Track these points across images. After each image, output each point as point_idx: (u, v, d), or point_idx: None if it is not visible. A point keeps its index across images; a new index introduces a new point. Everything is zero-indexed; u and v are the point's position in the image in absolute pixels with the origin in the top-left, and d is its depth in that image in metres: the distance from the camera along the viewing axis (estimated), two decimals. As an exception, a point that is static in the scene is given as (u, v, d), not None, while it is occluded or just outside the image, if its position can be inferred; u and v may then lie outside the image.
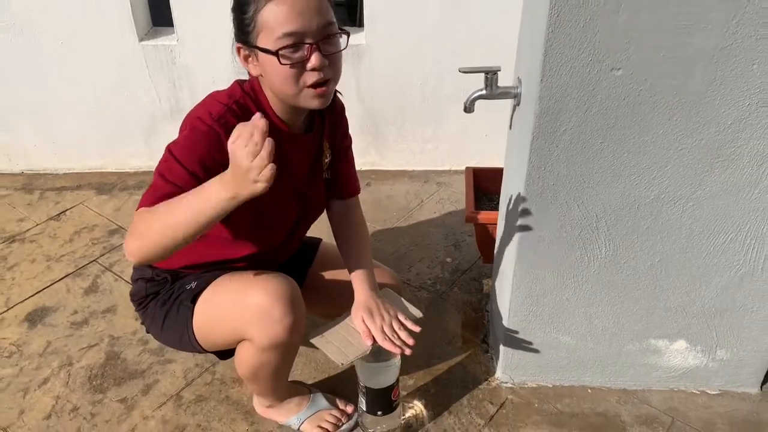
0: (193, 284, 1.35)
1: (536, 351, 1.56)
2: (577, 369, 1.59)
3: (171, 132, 1.18)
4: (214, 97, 1.22)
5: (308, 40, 1.11)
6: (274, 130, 1.25)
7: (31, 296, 1.98)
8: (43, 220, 2.36)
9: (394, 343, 1.27)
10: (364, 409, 1.44)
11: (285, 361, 1.37)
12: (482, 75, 1.31)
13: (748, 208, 1.29)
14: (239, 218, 1.27)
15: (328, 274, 1.57)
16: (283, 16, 1.09)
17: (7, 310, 1.93)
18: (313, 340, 1.31)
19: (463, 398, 1.59)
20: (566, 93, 1.16)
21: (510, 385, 1.63)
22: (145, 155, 2.59)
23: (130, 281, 1.47)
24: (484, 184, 1.99)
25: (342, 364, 1.26)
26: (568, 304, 1.47)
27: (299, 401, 1.52)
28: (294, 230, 1.41)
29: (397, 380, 1.41)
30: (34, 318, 1.89)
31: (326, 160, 1.41)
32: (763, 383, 1.59)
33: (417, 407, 1.57)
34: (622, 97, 1.16)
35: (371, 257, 1.44)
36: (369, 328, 1.29)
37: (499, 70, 1.30)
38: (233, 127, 1.16)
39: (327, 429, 1.48)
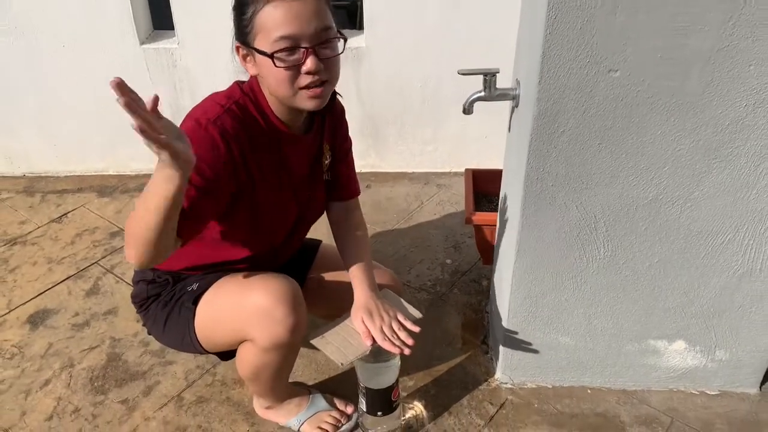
0: (195, 286, 1.36)
1: (536, 352, 1.57)
2: (577, 369, 1.60)
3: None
4: (212, 98, 1.22)
5: (304, 44, 1.12)
6: (273, 131, 1.26)
7: (33, 298, 1.99)
8: (44, 223, 2.37)
9: (394, 344, 1.27)
10: (364, 409, 1.44)
11: (286, 361, 1.37)
12: (481, 77, 1.32)
13: (746, 208, 1.30)
14: (239, 218, 1.28)
15: (328, 276, 1.57)
16: (280, 20, 1.10)
17: (9, 312, 1.94)
18: (313, 341, 1.32)
19: (463, 399, 1.60)
20: (564, 94, 1.17)
21: (510, 386, 1.63)
22: (146, 158, 2.59)
23: (131, 283, 1.48)
24: (484, 186, 2.00)
25: (342, 364, 1.26)
26: (568, 304, 1.48)
27: (299, 402, 1.52)
28: (294, 230, 1.42)
29: (397, 381, 1.42)
30: (36, 320, 1.90)
31: (326, 162, 1.42)
32: (762, 383, 1.60)
33: (417, 408, 1.57)
34: (619, 98, 1.17)
35: (371, 258, 1.45)
36: (369, 328, 1.30)
37: (498, 72, 1.31)
38: (229, 128, 1.17)
39: (326, 430, 1.49)
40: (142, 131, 0.87)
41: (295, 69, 1.13)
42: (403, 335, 1.29)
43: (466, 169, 2.04)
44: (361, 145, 2.56)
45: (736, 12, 1.07)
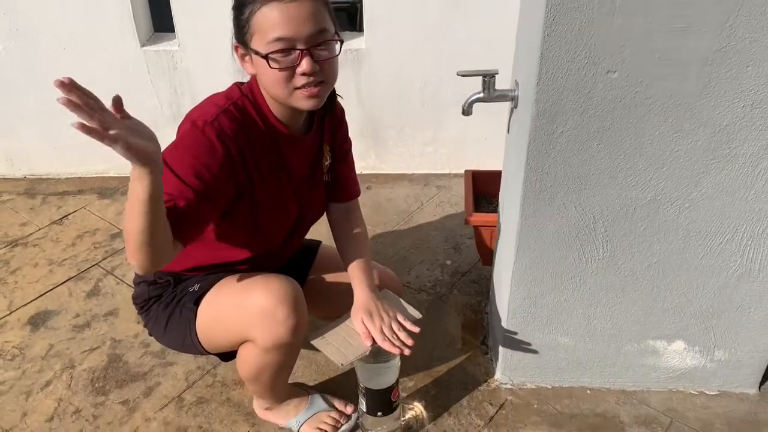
0: (196, 286, 1.36)
1: (535, 352, 1.57)
2: (576, 370, 1.60)
3: (172, 137, 1.19)
4: (211, 99, 1.23)
5: (299, 46, 1.12)
6: (272, 131, 1.26)
7: (34, 300, 1.99)
8: (45, 225, 2.37)
9: (394, 344, 1.28)
10: (364, 410, 1.45)
11: (287, 361, 1.38)
12: (480, 78, 1.32)
13: (744, 209, 1.30)
14: (239, 218, 1.28)
15: (328, 277, 1.58)
16: (276, 21, 1.10)
17: (10, 313, 1.94)
18: (313, 342, 1.32)
19: (463, 399, 1.60)
20: (562, 95, 1.18)
21: (509, 386, 1.63)
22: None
23: (131, 284, 1.49)
24: (483, 187, 2.00)
25: (342, 364, 1.27)
26: (567, 305, 1.48)
27: (298, 403, 1.53)
28: (294, 231, 1.42)
29: (397, 381, 1.42)
30: (37, 321, 1.90)
31: (326, 163, 1.42)
32: (761, 384, 1.60)
33: (417, 408, 1.58)
34: (617, 99, 1.18)
35: (371, 259, 1.45)
36: (368, 329, 1.30)
37: (497, 73, 1.31)
38: (227, 129, 1.17)
39: (325, 430, 1.49)
40: (82, 128, 0.86)
41: (290, 70, 1.14)
42: (402, 335, 1.30)
43: (466, 171, 2.05)
44: (361, 146, 2.56)
45: (733, 14, 1.07)
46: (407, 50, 2.35)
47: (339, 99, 1.40)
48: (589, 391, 1.62)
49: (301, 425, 1.51)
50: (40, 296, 2.01)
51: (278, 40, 1.11)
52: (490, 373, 1.68)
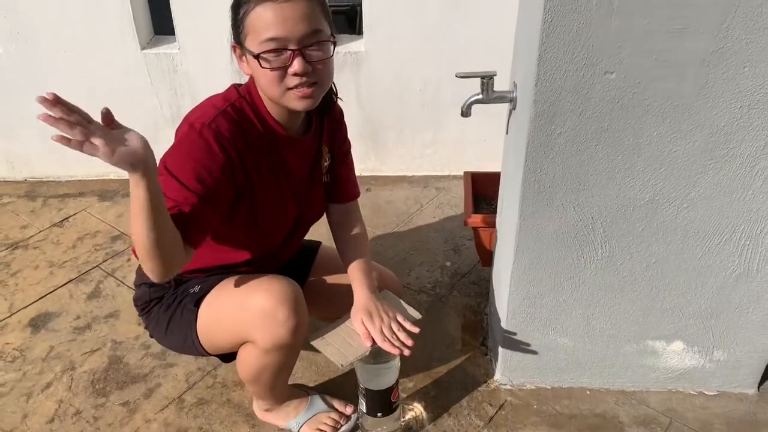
0: (197, 288, 1.36)
1: (535, 353, 1.57)
2: (576, 370, 1.60)
3: (172, 139, 1.19)
4: (209, 101, 1.24)
5: (291, 46, 1.12)
6: (270, 133, 1.27)
7: (35, 302, 2.00)
8: (46, 227, 2.38)
9: (393, 345, 1.28)
10: (364, 410, 1.45)
11: (287, 362, 1.38)
12: (479, 80, 1.33)
13: (742, 209, 1.31)
14: (239, 219, 1.29)
15: (328, 278, 1.58)
16: (268, 21, 1.11)
17: (11, 315, 1.94)
18: (313, 342, 1.32)
19: (463, 400, 1.60)
20: (561, 96, 1.18)
21: (509, 387, 1.64)
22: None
23: (132, 286, 1.49)
24: (483, 189, 2.01)
25: (342, 365, 1.27)
26: (566, 305, 1.49)
27: (297, 404, 1.53)
28: (293, 231, 1.43)
29: (397, 382, 1.42)
30: (38, 323, 1.91)
31: (325, 164, 1.43)
32: (759, 384, 1.60)
33: (417, 409, 1.58)
34: (615, 100, 1.18)
35: (370, 260, 1.45)
36: (368, 329, 1.30)
37: (495, 75, 1.32)
38: (225, 131, 1.17)
39: (325, 431, 1.50)
40: (61, 139, 0.91)
41: (281, 70, 1.14)
42: (402, 336, 1.30)
43: (465, 172, 2.05)
44: (361, 148, 2.57)
45: (730, 15, 1.08)
46: (407, 53, 2.36)
47: (339, 102, 1.41)
48: (588, 392, 1.62)
49: (301, 426, 1.51)
50: (40, 298, 2.01)
51: (270, 40, 1.11)
52: (489, 373, 1.68)
